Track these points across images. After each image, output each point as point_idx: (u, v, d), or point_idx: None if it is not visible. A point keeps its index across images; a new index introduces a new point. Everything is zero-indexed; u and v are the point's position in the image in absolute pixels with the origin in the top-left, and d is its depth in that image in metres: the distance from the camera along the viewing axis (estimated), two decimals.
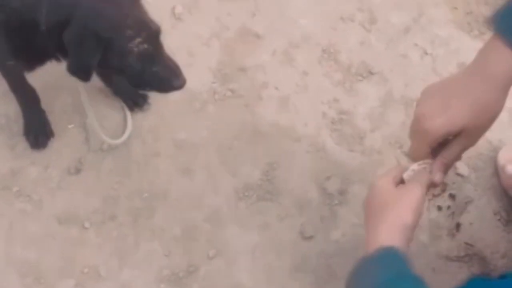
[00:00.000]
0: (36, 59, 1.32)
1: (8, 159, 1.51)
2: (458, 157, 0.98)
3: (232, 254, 1.43)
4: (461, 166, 1.50)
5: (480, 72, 0.90)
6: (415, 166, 1.01)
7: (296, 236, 1.45)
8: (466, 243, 1.40)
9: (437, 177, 0.98)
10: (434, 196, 1.02)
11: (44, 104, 1.54)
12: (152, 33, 1.21)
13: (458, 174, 1.50)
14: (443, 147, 0.98)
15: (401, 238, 0.90)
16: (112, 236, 1.44)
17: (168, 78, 1.24)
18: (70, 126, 1.55)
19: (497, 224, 1.47)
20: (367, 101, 1.61)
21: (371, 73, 1.65)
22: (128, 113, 1.54)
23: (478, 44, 1.66)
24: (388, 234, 0.90)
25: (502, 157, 1.50)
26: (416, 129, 0.96)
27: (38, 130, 1.51)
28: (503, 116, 1.53)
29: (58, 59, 1.28)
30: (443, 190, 1.03)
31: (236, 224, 1.46)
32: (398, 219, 0.92)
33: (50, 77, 1.57)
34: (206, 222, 1.46)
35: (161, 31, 1.22)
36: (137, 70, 1.21)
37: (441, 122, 0.91)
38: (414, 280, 0.86)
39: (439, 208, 1.11)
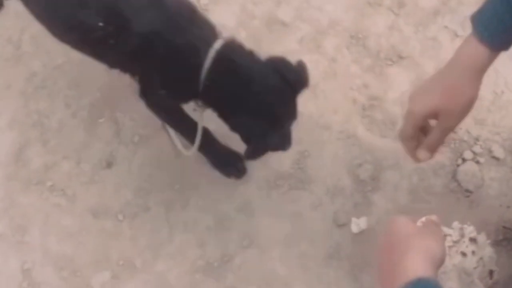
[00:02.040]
0: (182, 97, 1.31)
1: (41, 154, 1.53)
2: (440, 140, 1.07)
3: (266, 243, 1.43)
4: (497, 149, 1.48)
5: (452, 62, 1.01)
6: (423, 219, 0.99)
7: (330, 224, 1.44)
8: (504, 227, 1.38)
9: (421, 154, 1.10)
10: (454, 242, 1.05)
11: (74, 100, 1.56)
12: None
13: (494, 157, 1.48)
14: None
15: (432, 269, 0.85)
16: (146, 228, 1.45)
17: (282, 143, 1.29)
18: (100, 120, 1.56)
19: None
20: (398, 86, 1.59)
21: (400, 57, 1.62)
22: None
23: None
24: (419, 263, 0.84)
25: None
26: (406, 111, 1.08)
27: (231, 162, 1.49)
28: None
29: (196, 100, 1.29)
30: (462, 235, 1.09)
31: (269, 213, 1.45)
32: (428, 250, 0.87)
33: (78, 73, 1.59)
34: (238, 212, 1.46)
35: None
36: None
37: (418, 103, 1.04)
38: None
39: (463, 254, 1.09)
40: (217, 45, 1.21)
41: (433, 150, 1.09)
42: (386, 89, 1.58)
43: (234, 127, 1.26)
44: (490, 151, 1.48)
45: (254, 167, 1.50)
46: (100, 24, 1.19)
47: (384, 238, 0.94)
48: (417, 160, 1.12)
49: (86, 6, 1.19)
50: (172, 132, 1.48)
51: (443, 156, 1.49)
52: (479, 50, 0.98)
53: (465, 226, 1.06)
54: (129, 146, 1.53)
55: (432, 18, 1.67)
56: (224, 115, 1.26)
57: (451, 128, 1.05)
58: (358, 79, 1.59)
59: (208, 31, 1.24)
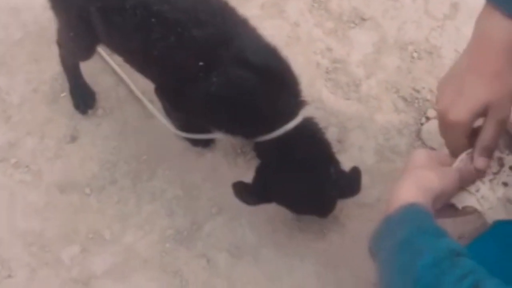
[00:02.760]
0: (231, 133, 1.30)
1: (4, 131, 1.51)
2: (496, 136, 0.94)
3: (235, 210, 1.43)
4: None
5: (481, 46, 0.90)
6: (463, 156, 0.98)
7: None
8: None
9: (479, 163, 0.94)
10: (494, 174, 1.01)
11: (34, 75, 1.54)
12: None
13: None
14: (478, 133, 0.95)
15: (425, 197, 0.87)
16: (114, 200, 1.44)
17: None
18: (62, 95, 1.54)
19: None
20: (361, 48, 1.59)
21: (363, 19, 1.62)
22: None
23: None
24: (412, 191, 0.87)
25: None
26: (445, 125, 0.95)
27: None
28: None
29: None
30: (501, 165, 1.01)
31: (236, 179, 1.44)
32: (424, 180, 0.89)
33: (37, 47, 1.56)
34: (205, 180, 1.46)
35: None
36: None
37: (462, 108, 0.90)
38: (436, 233, 0.83)
39: (505, 184, 1.10)
40: (293, 123, 1.20)
41: (490, 151, 0.95)
42: (349, 51, 1.58)
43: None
44: None
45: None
46: (200, 63, 1.16)
47: (404, 166, 0.95)
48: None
49: (184, 47, 1.16)
50: (161, 117, 1.47)
51: (407, 115, 1.50)
52: (508, 27, 0.86)
53: (504, 155, 1.00)
54: (92, 119, 1.51)
55: None
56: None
57: (506, 118, 0.93)
58: (321, 43, 1.59)
59: (294, 101, 1.23)
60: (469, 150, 0.97)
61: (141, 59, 1.25)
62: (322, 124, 1.47)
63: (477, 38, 0.91)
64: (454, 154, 0.97)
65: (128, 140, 1.49)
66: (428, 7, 1.63)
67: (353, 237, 1.37)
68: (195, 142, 1.47)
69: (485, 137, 0.93)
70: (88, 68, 1.50)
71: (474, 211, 1.01)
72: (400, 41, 1.59)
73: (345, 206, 1.40)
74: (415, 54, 1.57)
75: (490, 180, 1.00)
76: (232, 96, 1.17)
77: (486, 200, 0.99)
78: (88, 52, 1.38)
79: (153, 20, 1.15)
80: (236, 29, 1.20)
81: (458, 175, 0.95)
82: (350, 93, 1.53)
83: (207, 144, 1.48)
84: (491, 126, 0.92)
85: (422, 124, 1.48)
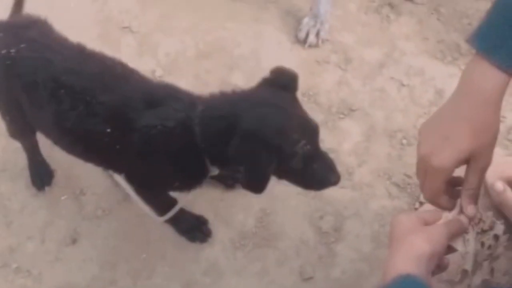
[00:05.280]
0: (194, 180, 1.29)
1: (5, 236, 1.53)
2: (480, 183, 0.95)
3: None
4: None
5: (469, 94, 0.91)
6: (449, 216, 0.98)
7: (296, 278, 1.45)
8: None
9: (468, 210, 0.95)
10: (483, 231, 1.04)
11: None
12: (313, 132, 1.17)
13: None
14: (456, 183, 0.97)
15: (418, 266, 0.87)
16: None
17: (325, 174, 1.19)
18: (63, 198, 1.57)
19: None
20: (351, 137, 1.64)
21: (351, 110, 1.68)
22: None
23: (453, 70, 1.71)
24: (404, 262, 0.87)
25: (489, 176, 1.51)
26: (425, 169, 0.94)
27: (196, 227, 1.51)
28: None
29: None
30: (491, 228, 1.05)
31: (235, 273, 1.46)
32: (413, 248, 0.89)
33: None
34: (205, 275, 1.46)
35: (319, 128, 1.18)
36: (296, 171, 1.16)
37: (446, 155, 0.91)
38: None
39: (482, 244, 1.11)
40: (198, 111, 1.17)
41: (476, 198, 0.96)
42: (340, 141, 1.63)
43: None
44: None
45: (219, 228, 1.51)
46: (108, 130, 1.18)
47: (389, 232, 0.94)
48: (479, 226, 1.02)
49: (94, 115, 1.19)
50: (141, 203, 1.47)
51: (400, 201, 1.53)
52: (497, 77, 0.89)
53: (498, 222, 1.06)
54: (92, 220, 1.53)
55: (378, 71, 1.75)
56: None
57: (487, 166, 0.94)
58: None
59: (188, 106, 1.19)
60: (454, 212, 0.97)
61: (59, 135, 1.27)
62: (318, 213, 1.51)
63: (465, 86, 0.92)
64: (431, 198, 0.97)
65: (128, 239, 1.51)
66: (413, 96, 1.69)
67: None
68: (193, 238, 1.49)
69: (471, 185, 0.94)
70: (89, 171, 1.54)
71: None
72: (389, 129, 1.64)
73: None
74: (404, 141, 1.61)
75: (478, 233, 1.02)
76: (158, 144, 1.19)
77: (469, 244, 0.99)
78: (27, 133, 1.41)
79: (62, 91, 1.19)
80: (138, 86, 1.23)
81: (446, 231, 0.94)
82: (344, 182, 1.55)
83: (204, 238, 1.50)
84: (475, 174, 0.93)
85: (416, 208, 1.50)
